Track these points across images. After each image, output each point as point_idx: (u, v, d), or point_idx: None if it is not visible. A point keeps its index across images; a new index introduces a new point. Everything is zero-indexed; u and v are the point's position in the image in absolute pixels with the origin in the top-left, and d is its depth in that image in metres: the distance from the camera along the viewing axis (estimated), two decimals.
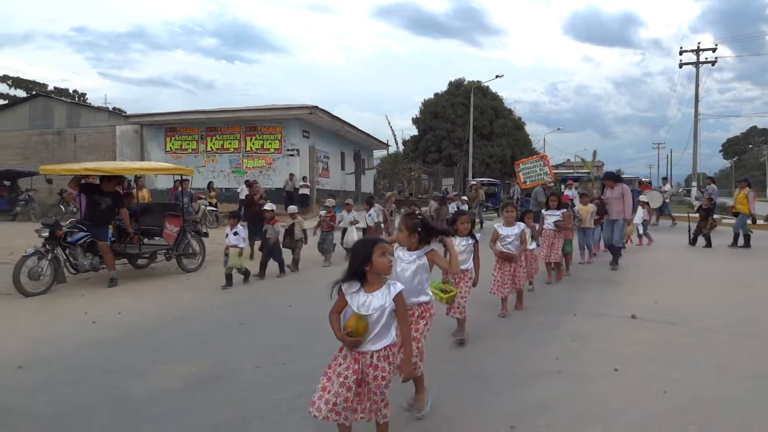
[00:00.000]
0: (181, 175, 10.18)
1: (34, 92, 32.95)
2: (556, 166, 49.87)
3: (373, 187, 32.34)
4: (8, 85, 40.83)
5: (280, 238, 9.08)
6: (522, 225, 6.03)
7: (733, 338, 5.15)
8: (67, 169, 8.84)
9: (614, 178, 9.40)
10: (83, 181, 8.65)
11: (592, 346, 4.91)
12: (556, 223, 7.95)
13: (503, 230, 5.99)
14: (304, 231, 9.44)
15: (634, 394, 3.76)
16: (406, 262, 3.44)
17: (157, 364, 4.48)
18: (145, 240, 9.16)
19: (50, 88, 40.81)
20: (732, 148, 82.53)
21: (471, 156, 31.56)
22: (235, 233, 8.03)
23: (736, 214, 13.01)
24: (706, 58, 32.37)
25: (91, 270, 8.04)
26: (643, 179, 29.39)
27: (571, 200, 9.74)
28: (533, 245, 6.83)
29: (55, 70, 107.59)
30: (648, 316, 5.90)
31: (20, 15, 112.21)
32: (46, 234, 7.48)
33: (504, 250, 5.90)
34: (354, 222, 10.51)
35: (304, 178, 21.20)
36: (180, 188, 10.98)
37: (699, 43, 34.30)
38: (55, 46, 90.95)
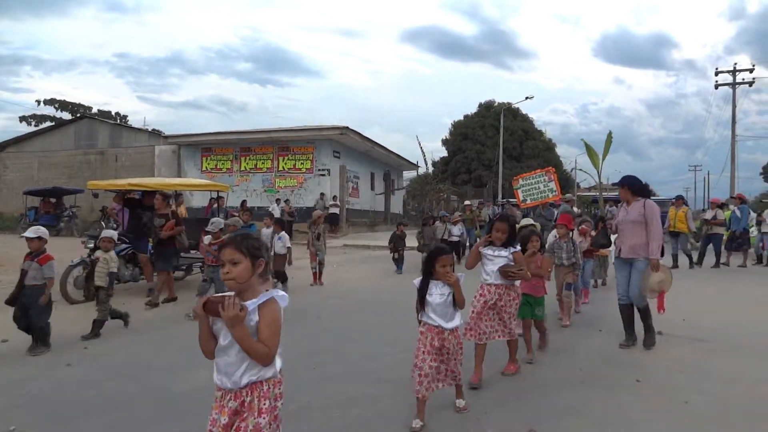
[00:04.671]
0: (218, 192, 10.61)
1: (78, 114, 34.47)
2: (588, 189, 49.01)
3: (402, 208, 32.58)
4: (55, 107, 42.91)
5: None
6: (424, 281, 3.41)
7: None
8: (113, 184, 9.36)
9: (635, 187, 5.44)
10: (126, 196, 9.12)
11: (617, 359, 4.96)
12: (504, 270, 4.12)
13: None
14: (111, 275, 5.92)
15: (657, 404, 3.81)
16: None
17: (196, 364, 4.71)
18: (182, 254, 9.53)
19: (94, 110, 42.66)
20: None
21: (501, 177, 31.53)
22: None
23: (675, 234, 12.06)
24: (743, 79, 31.73)
25: (131, 280, 8.44)
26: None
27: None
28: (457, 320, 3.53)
29: (97, 94, 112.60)
30: (675, 332, 5.87)
31: (69, 42, 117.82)
32: (92, 245, 7.91)
33: None
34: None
35: (334, 198, 21.58)
36: (216, 205, 11.41)
37: (735, 63, 33.85)
38: (98, 71, 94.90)
